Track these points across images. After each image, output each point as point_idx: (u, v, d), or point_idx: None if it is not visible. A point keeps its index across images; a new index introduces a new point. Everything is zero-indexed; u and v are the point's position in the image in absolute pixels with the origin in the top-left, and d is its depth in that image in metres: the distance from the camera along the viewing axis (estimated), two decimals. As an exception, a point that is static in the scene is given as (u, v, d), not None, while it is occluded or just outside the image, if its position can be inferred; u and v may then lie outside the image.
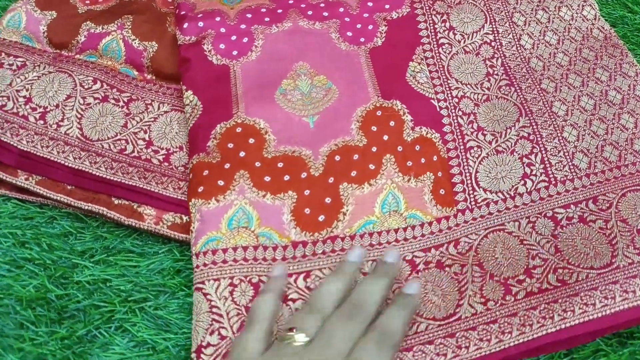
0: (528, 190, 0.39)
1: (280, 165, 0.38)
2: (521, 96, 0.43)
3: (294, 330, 0.29)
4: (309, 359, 0.27)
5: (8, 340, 0.33)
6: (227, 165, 0.37)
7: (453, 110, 0.42)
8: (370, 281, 0.32)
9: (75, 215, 0.39)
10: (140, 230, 0.38)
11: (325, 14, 0.45)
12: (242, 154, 0.38)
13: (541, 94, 0.44)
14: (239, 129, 0.39)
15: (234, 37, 0.43)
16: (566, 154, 0.41)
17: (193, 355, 0.31)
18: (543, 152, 0.41)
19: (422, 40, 0.45)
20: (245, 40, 0.43)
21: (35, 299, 0.35)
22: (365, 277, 0.33)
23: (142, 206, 0.38)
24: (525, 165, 0.40)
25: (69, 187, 0.39)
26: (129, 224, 0.38)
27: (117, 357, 0.33)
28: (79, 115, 0.42)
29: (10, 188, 0.40)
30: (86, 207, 0.38)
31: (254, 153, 0.38)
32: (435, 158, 0.40)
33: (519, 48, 0.46)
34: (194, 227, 0.35)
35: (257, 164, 0.37)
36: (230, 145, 0.38)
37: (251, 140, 0.38)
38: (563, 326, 0.32)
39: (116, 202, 0.38)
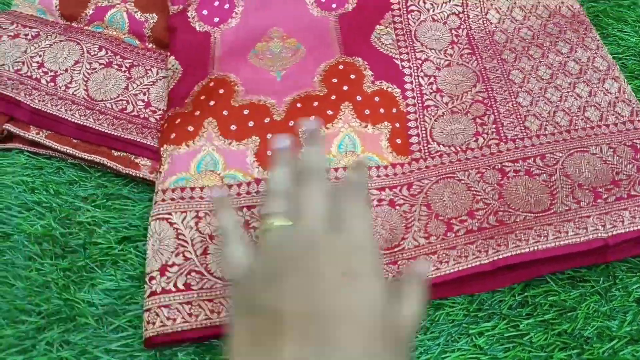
0: (479, 146, 0.42)
1: (245, 112, 0.41)
2: (481, 65, 0.46)
3: (268, 217, 0.28)
4: (295, 233, 0.27)
5: (17, 270, 0.38)
6: (197, 113, 0.41)
7: (415, 70, 0.45)
8: (307, 148, 0.32)
9: (79, 166, 0.43)
10: (137, 179, 0.42)
11: None
12: (211, 103, 0.42)
13: (500, 64, 0.46)
14: (211, 84, 0.43)
15: (216, 3, 0.47)
16: (518, 116, 0.43)
17: (155, 273, 0.34)
18: (496, 114, 0.43)
19: (392, 7, 0.48)
20: (226, 6, 0.47)
21: (42, 235, 0.39)
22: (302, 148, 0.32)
23: (139, 157, 0.42)
24: (477, 124, 0.43)
25: (74, 141, 0.43)
26: (127, 172, 0.42)
27: (113, 285, 0.37)
28: (85, 79, 0.46)
29: (23, 142, 0.44)
30: (89, 158, 0.42)
31: (222, 102, 0.42)
32: (394, 110, 0.43)
33: (485, 22, 0.49)
34: (163, 169, 0.39)
35: (225, 112, 0.41)
36: (203, 97, 0.42)
37: (221, 91, 0.43)
38: (495, 258, 0.35)
39: (116, 154, 0.43)
